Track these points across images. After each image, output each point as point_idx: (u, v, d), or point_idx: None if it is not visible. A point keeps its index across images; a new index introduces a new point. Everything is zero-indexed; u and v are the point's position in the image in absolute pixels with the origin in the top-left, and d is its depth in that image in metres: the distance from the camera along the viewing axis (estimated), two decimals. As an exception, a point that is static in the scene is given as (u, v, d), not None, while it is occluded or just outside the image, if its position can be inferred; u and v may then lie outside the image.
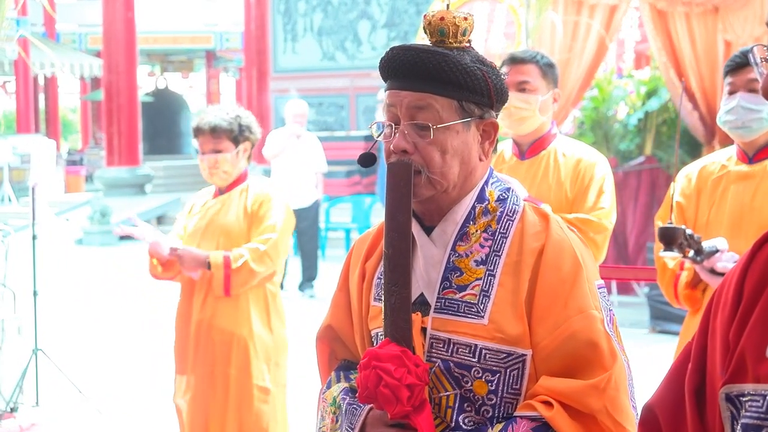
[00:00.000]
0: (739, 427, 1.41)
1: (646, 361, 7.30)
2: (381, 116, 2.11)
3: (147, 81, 29.95)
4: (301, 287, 10.91)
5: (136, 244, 16.27)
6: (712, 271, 3.28)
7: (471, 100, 2.00)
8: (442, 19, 2.01)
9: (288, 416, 4.58)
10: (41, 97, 28.44)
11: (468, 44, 2.05)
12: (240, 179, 4.45)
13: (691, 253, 3.24)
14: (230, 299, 4.36)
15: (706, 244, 3.26)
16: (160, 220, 17.93)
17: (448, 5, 2.08)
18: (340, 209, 14.45)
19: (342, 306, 2.22)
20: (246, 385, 4.37)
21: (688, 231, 3.21)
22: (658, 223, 3.52)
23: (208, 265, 4.29)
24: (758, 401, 1.40)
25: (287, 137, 10.60)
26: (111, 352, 8.30)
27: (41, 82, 27.81)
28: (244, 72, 21.75)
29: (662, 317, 8.40)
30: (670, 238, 3.18)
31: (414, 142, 2.00)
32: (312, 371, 2.47)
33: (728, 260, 3.23)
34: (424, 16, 2.04)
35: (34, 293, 6.80)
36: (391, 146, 2.01)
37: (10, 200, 18.30)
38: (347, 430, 2.05)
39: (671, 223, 3.21)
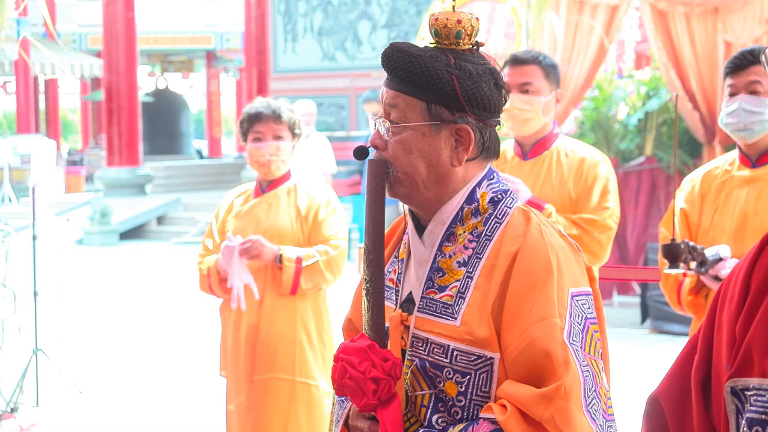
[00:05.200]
0: (744, 421, 1.42)
1: (646, 361, 7.30)
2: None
3: (147, 81, 29.97)
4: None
5: (136, 244, 16.29)
6: (717, 279, 3.27)
7: (440, 104, 2.00)
8: (436, 19, 2.03)
9: None
10: (41, 97, 28.44)
11: (470, 47, 2.04)
12: (284, 177, 4.31)
13: (694, 264, 3.23)
14: (286, 304, 4.21)
15: (709, 252, 3.25)
16: (160, 220, 17.94)
17: (453, 6, 2.08)
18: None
19: (360, 300, 2.24)
20: (308, 390, 4.24)
21: (691, 244, 3.21)
22: (662, 230, 3.51)
23: (280, 258, 4.11)
24: (763, 396, 1.40)
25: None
26: (111, 352, 8.30)
27: (41, 82, 27.82)
28: (245, 72, 21.76)
29: (662, 317, 8.40)
30: (674, 255, 3.18)
31: (385, 139, 2.03)
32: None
33: (732, 267, 3.22)
34: (430, 16, 2.06)
35: (34, 293, 6.80)
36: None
37: (10, 200, 18.30)
38: (336, 421, 2.12)
39: (674, 239, 3.20)
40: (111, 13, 18.64)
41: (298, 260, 4.11)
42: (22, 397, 6.52)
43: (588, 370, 1.94)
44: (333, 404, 2.16)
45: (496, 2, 8.57)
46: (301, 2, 19.29)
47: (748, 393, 1.42)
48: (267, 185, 4.32)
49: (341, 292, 4.52)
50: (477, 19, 2.06)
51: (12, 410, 6.34)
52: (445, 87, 1.99)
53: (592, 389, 1.94)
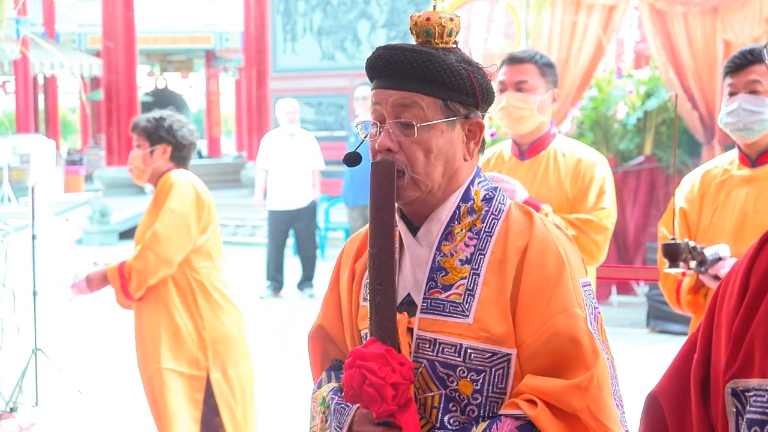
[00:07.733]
0: (744, 422, 1.42)
1: (646, 361, 7.30)
2: (360, 116, 2.12)
3: (147, 81, 29.96)
4: (300, 286, 10.96)
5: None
6: (716, 278, 3.27)
7: (456, 100, 2.00)
8: (428, 19, 2.02)
9: (236, 403, 4.59)
10: (41, 97, 28.43)
11: (455, 45, 2.05)
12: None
13: (694, 264, 3.24)
14: (152, 295, 4.51)
15: (709, 252, 3.25)
16: (159, 219, 17.91)
17: (434, 6, 2.09)
18: (340, 209, 14.43)
19: (333, 306, 2.22)
20: (175, 376, 4.61)
21: (691, 243, 3.21)
22: (662, 229, 3.51)
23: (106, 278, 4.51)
24: (763, 396, 1.40)
25: (280, 137, 10.60)
26: (110, 352, 8.29)
27: (41, 82, 27.80)
28: (244, 72, 21.76)
29: (662, 317, 8.40)
30: (674, 254, 3.18)
31: (399, 141, 2.00)
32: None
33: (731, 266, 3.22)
34: (411, 17, 2.05)
35: (34, 293, 6.79)
36: (376, 145, 2.01)
37: (9, 200, 18.30)
38: (336, 429, 2.05)
39: (674, 239, 3.20)
40: (111, 13, 18.64)
41: (120, 273, 4.49)
42: (22, 396, 6.52)
43: (607, 357, 1.98)
44: (323, 412, 2.11)
45: (495, 2, 8.57)
46: (301, 2, 19.28)
47: (749, 394, 1.42)
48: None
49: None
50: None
51: (11, 410, 6.34)
52: (465, 83, 2.00)
53: (614, 376, 1.98)
